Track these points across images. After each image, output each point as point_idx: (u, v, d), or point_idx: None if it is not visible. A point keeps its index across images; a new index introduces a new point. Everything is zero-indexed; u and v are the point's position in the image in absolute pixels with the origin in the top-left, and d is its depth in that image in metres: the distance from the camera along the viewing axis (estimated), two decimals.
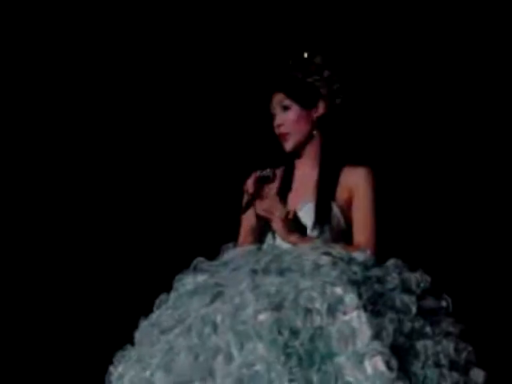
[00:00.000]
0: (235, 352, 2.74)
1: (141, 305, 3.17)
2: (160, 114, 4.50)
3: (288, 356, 2.70)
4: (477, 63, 4.38)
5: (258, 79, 3.78)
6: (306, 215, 3.27)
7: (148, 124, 4.49)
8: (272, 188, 3.27)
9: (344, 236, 3.28)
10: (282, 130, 3.33)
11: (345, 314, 2.80)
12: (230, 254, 3.14)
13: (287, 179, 3.39)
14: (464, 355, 2.98)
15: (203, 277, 3.04)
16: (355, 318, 2.79)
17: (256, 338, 2.74)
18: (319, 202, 3.28)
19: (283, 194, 3.33)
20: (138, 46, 4.51)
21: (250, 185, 3.22)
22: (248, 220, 3.33)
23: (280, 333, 2.73)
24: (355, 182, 3.29)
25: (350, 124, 3.46)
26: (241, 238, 3.36)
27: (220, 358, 2.75)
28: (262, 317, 2.77)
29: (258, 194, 3.21)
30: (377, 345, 2.75)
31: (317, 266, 2.92)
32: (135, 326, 3.13)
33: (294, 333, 2.75)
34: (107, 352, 3.14)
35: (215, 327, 2.82)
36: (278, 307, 2.79)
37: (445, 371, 2.89)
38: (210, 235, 3.84)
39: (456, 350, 2.96)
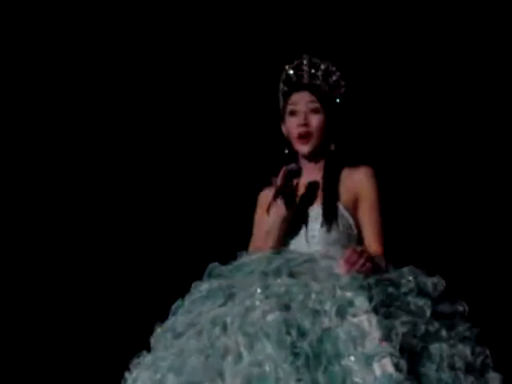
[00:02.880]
0: (244, 352, 2.77)
1: (160, 312, 3.20)
2: (176, 120, 4.51)
3: (296, 356, 2.71)
4: (479, 65, 4.36)
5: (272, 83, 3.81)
6: (315, 218, 3.28)
7: (165, 131, 4.50)
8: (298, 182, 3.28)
9: (352, 235, 3.29)
10: (308, 129, 3.30)
11: (354, 316, 2.82)
12: (245, 258, 3.16)
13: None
14: (480, 359, 2.97)
15: (217, 282, 3.07)
16: (365, 321, 2.80)
17: (264, 337, 2.76)
18: (325, 203, 3.28)
19: (291, 200, 3.33)
20: (151, 45, 4.49)
21: (279, 177, 3.20)
22: (265, 223, 3.30)
23: (288, 333, 2.75)
24: (359, 182, 3.30)
25: (352, 126, 3.47)
26: (258, 242, 3.32)
27: (229, 358, 2.78)
28: (270, 317, 2.79)
29: (285, 187, 3.23)
30: (386, 346, 2.75)
31: (329, 274, 2.95)
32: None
33: (302, 334, 2.77)
34: (126, 359, 3.16)
35: (225, 328, 2.85)
36: (286, 307, 2.82)
37: (460, 374, 2.88)
38: (227, 242, 3.84)
39: (472, 353, 2.95)
